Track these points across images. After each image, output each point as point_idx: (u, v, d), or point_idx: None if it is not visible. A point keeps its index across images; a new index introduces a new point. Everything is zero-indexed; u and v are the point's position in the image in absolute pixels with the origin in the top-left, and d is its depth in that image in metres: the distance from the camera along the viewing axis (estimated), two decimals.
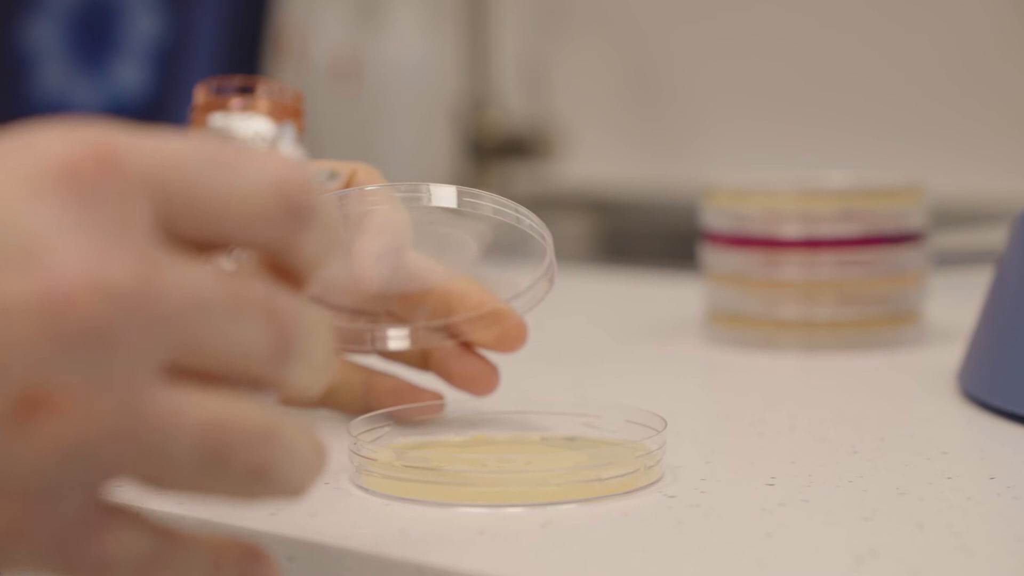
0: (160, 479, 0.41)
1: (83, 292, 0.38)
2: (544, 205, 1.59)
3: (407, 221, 0.64)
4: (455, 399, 0.68)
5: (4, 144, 0.41)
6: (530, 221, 0.63)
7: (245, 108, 0.53)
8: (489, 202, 0.62)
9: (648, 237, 1.66)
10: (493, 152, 1.82)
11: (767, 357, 0.86)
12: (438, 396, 0.68)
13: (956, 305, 0.89)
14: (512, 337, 0.68)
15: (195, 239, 0.42)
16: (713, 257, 0.90)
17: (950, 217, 1.25)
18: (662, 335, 0.94)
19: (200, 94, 0.58)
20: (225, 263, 0.43)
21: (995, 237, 0.90)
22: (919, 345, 0.87)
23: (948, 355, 0.79)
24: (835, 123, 1.63)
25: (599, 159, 1.79)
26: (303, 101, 0.57)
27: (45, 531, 0.40)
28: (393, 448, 0.59)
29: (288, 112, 0.55)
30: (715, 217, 0.90)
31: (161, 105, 1.62)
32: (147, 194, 0.40)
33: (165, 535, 0.43)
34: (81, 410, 0.38)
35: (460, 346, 0.68)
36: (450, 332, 0.68)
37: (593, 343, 0.94)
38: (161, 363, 0.40)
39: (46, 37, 1.68)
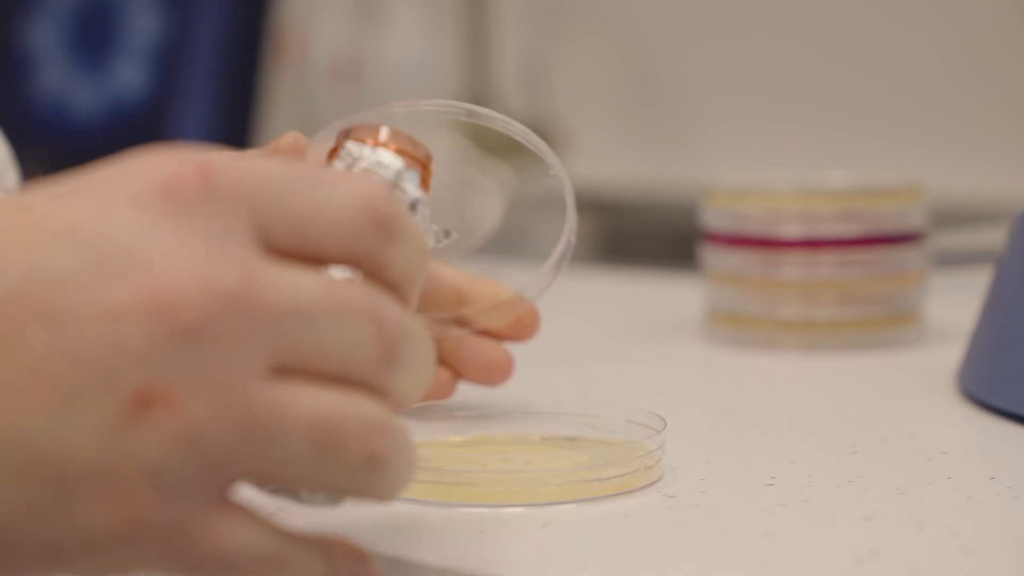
0: (277, 474, 0.42)
1: (189, 292, 0.40)
2: (543, 205, 1.59)
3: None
4: (454, 399, 0.68)
5: (108, 169, 0.42)
6: (557, 171, 0.63)
7: (377, 143, 0.54)
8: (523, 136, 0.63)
9: (648, 237, 1.66)
10: (494, 152, 1.81)
11: (767, 357, 0.86)
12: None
13: (956, 305, 0.89)
14: (526, 324, 0.68)
15: (293, 253, 0.43)
16: (713, 257, 0.90)
17: (950, 217, 1.25)
18: (662, 335, 0.94)
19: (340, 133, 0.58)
20: (336, 273, 0.44)
21: (995, 237, 0.90)
22: (919, 345, 0.87)
23: (948, 355, 0.79)
24: (835, 123, 1.63)
25: (599, 159, 1.79)
26: (431, 162, 0.57)
27: (164, 526, 0.41)
28: None
29: (417, 161, 0.56)
30: (715, 217, 0.90)
31: (161, 105, 1.62)
32: (244, 207, 0.42)
33: (283, 534, 0.43)
34: (191, 404, 0.40)
35: (473, 335, 0.68)
36: (461, 322, 0.68)
37: (593, 343, 0.94)
38: (268, 362, 0.41)
39: (46, 37, 1.68)
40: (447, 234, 0.56)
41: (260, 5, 1.62)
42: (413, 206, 0.53)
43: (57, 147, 1.65)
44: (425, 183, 0.56)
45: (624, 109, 1.78)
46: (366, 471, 0.43)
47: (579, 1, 1.80)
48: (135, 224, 0.41)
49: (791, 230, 0.87)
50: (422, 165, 0.56)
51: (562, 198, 0.62)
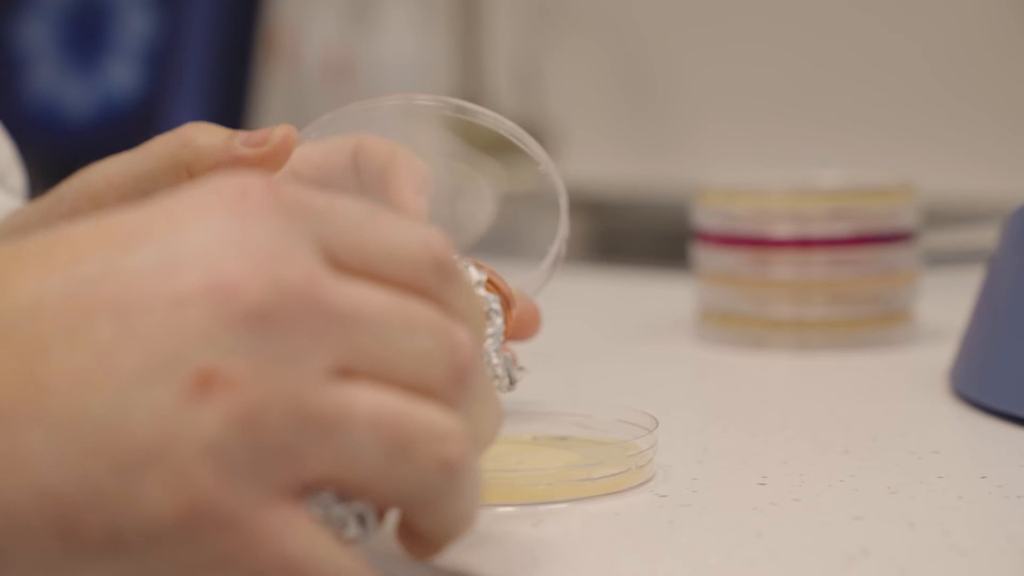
0: (348, 473, 0.42)
1: (252, 280, 0.41)
2: (535, 204, 1.59)
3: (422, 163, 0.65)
4: None
5: (180, 188, 0.44)
6: (548, 167, 0.63)
7: (478, 266, 0.56)
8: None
9: (640, 236, 1.66)
10: (485, 151, 1.81)
11: (759, 357, 0.86)
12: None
13: (947, 304, 0.89)
14: (528, 323, 0.68)
15: (357, 274, 0.44)
16: (705, 257, 0.90)
17: (941, 216, 1.25)
18: (654, 335, 0.94)
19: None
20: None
21: (986, 236, 0.90)
22: (910, 344, 0.87)
23: (939, 354, 0.79)
24: (826, 123, 1.63)
25: (591, 159, 1.79)
26: (514, 305, 0.58)
27: (226, 515, 0.40)
28: None
29: (501, 293, 0.57)
30: (706, 217, 0.90)
31: (153, 105, 1.62)
32: (309, 222, 0.43)
33: (359, 558, 0.43)
34: (251, 386, 0.40)
35: None
36: None
37: (585, 342, 0.94)
38: (332, 361, 0.42)
39: (38, 37, 1.68)
40: (511, 381, 0.56)
41: (252, 5, 1.62)
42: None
43: (49, 147, 1.64)
44: (508, 314, 0.57)
45: (616, 109, 1.78)
46: (439, 475, 0.43)
47: (571, 1, 1.80)
48: (203, 226, 0.42)
49: (783, 230, 0.87)
50: (506, 299, 0.57)
51: (552, 196, 0.62)
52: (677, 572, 0.49)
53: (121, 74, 1.64)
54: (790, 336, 0.87)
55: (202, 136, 0.59)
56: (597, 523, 0.54)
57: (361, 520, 0.44)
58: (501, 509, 0.55)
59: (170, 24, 1.62)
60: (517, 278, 0.63)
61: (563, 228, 0.62)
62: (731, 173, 1.07)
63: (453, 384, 0.44)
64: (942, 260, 1.07)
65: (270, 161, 0.59)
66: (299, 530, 0.41)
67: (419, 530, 0.46)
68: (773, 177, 0.93)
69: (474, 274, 0.55)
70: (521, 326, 0.67)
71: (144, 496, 0.40)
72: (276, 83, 1.84)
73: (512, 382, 0.56)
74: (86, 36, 1.66)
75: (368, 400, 0.42)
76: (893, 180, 0.90)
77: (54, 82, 1.66)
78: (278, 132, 0.58)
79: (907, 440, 0.67)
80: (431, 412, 0.43)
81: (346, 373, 0.42)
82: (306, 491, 0.42)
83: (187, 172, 0.59)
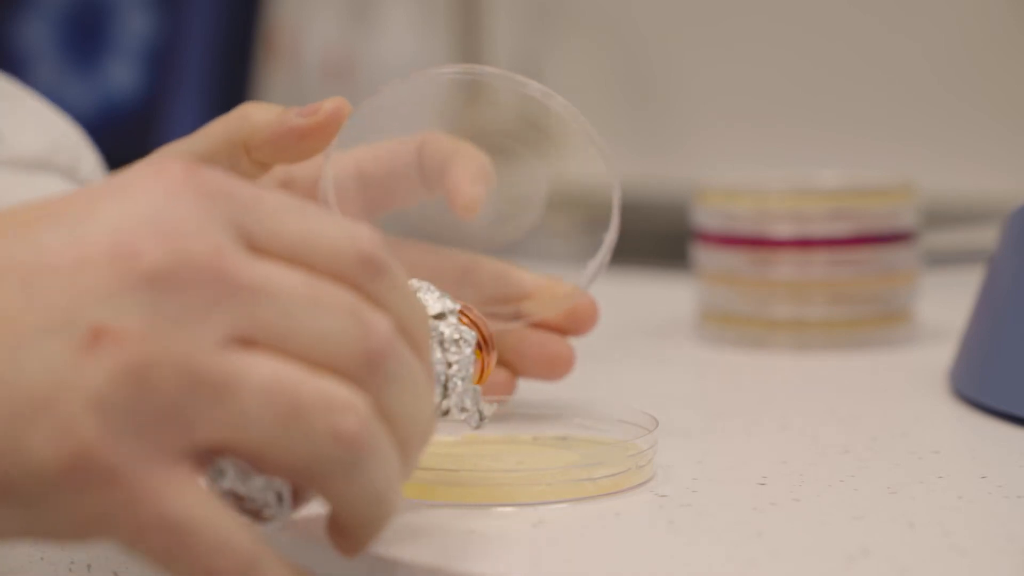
0: (241, 440, 0.42)
1: (156, 247, 0.42)
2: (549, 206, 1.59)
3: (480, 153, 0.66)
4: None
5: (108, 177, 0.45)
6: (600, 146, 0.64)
7: (463, 307, 0.56)
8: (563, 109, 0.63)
9: (640, 236, 1.65)
10: (485, 151, 1.81)
11: (759, 356, 0.86)
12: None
13: (948, 304, 0.89)
14: (584, 317, 0.68)
15: (274, 258, 0.44)
16: (705, 257, 0.90)
17: (942, 216, 1.25)
18: (654, 334, 0.94)
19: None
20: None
21: (986, 236, 0.90)
22: (911, 344, 0.87)
23: (939, 354, 0.79)
24: (826, 123, 1.63)
25: (591, 158, 1.79)
26: (491, 349, 0.59)
27: (110, 469, 0.41)
28: None
29: (480, 332, 0.57)
30: (707, 217, 0.90)
31: (153, 105, 1.62)
32: (227, 205, 0.43)
33: (251, 528, 0.43)
34: (142, 343, 0.41)
35: (534, 328, 0.68)
36: (517, 316, 0.67)
37: (585, 342, 0.94)
38: (231, 329, 0.42)
39: (38, 37, 1.68)
40: (480, 416, 0.56)
41: (252, 4, 1.62)
42: (446, 343, 0.54)
43: None
44: (482, 356, 0.57)
45: (616, 109, 1.78)
46: (334, 447, 0.43)
47: (571, 1, 1.80)
48: (117, 203, 0.43)
49: (783, 230, 0.87)
50: (484, 337, 0.57)
51: (558, 197, 0.63)
52: (677, 572, 0.49)
53: (121, 74, 1.64)
54: (790, 336, 0.87)
55: (258, 113, 0.61)
56: (597, 523, 0.54)
57: (271, 497, 0.44)
58: (501, 509, 0.55)
59: (170, 24, 1.62)
60: (570, 273, 0.63)
61: (615, 222, 0.63)
62: (731, 173, 1.07)
63: (363, 367, 0.44)
64: (942, 260, 1.07)
65: (322, 130, 0.60)
66: (184, 492, 0.42)
67: (337, 519, 0.46)
68: (773, 177, 0.93)
69: (437, 304, 0.54)
70: (577, 320, 0.67)
71: (31, 446, 0.41)
72: (276, 83, 1.84)
73: (482, 417, 0.55)
74: (86, 36, 1.66)
75: (263, 367, 0.42)
76: (893, 180, 0.90)
77: (54, 82, 1.66)
78: (329, 103, 0.60)
79: (907, 440, 0.67)
80: (330, 384, 0.43)
81: (245, 343, 0.42)
82: (202, 458, 0.42)
83: (244, 149, 0.61)
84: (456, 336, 0.53)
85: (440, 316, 0.54)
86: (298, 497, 0.46)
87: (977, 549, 0.51)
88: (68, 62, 1.67)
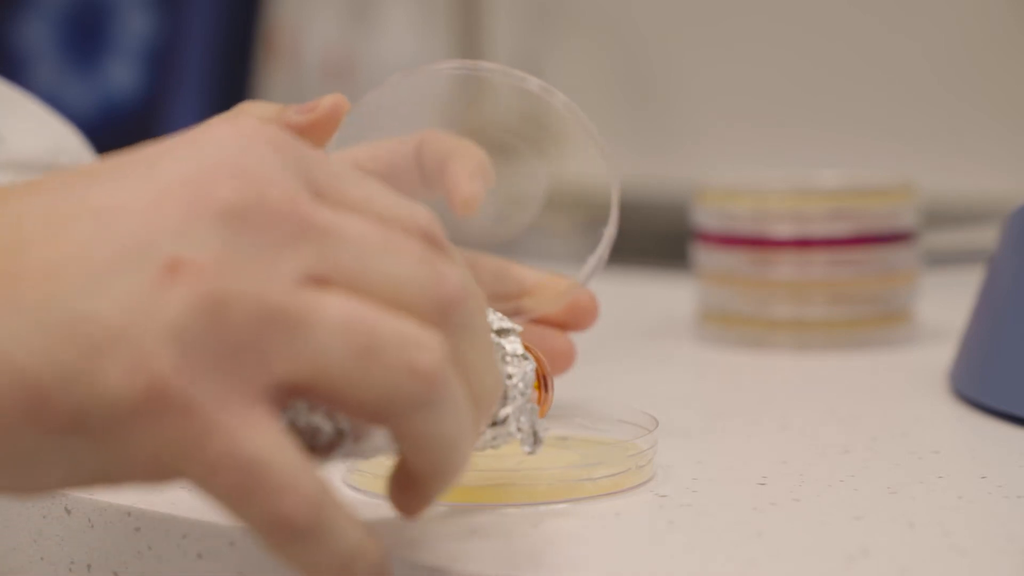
0: (316, 374, 0.42)
1: (230, 183, 0.42)
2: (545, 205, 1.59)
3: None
4: None
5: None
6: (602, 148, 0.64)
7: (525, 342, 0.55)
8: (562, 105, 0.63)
9: (640, 236, 1.66)
10: (485, 148, 1.81)
11: (759, 356, 0.86)
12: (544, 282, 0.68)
13: (948, 304, 0.89)
14: (586, 312, 0.68)
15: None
16: (705, 257, 0.90)
17: (941, 216, 1.25)
18: (654, 334, 0.94)
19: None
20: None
21: (986, 236, 0.90)
22: (911, 345, 0.87)
23: (939, 354, 0.79)
24: (826, 122, 1.63)
25: (591, 158, 1.79)
26: (550, 384, 0.58)
27: (184, 403, 0.40)
28: None
29: (540, 364, 0.57)
30: (706, 217, 0.90)
31: (154, 105, 1.62)
32: (302, 160, 0.44)
33: (322, 479, 0.42)
34: (219, 276, 0.41)
35: (535, 324, 0.68)
36: (517, 312, 0.67)
37: (584, 342, 0.94)
38: (306, 268, 0.42)
39: (38, 37, 1.68)
40: (535, 439, 0.55)
41: (252, 5, 1.62)
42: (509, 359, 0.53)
43: None
44: (540, 391, 0.57)
45: (616, 109, 1.78)
46: (412, 382, 0.42)
47: (571, 1, 1.80)
48: (190, 149, 0.43)
49: (782, 230, 0.87)
50: (542, 374, 0.57)
51: (555, 196, 0.63)
52: (677, 572, 0.49)
53: (121, 74, 1.64)
54: (790, 336, 0.87)
55: (256, 111, 0.61)
56: (597, 523, 0.54)
57: (339, 433, 0.44)
58: (501, 509, 0.55)
59: (170, 24, 1.62)
60: (570, 271, 0.63)
61: (614, 212, 0.63)
62: (731, 173, 1.07)
63: (436, 311, 0.44)
64: (942, 260, 1.07)
65: (320, 126, 0.60)
66: (258, 430, 0.41)
67: (405, 470, 0.46)
68: (773, 177, 0.93)
69: (500, 322, 0.54)
70: (579, 315, 0.67)
71: (107, 377, 0.40)
72: (276, 83, 1.84)
73: (537, 440, 0.53)
74: (86, 36, 1.66)
75: (339, 304, 0.42)
76: (893, 180, 0.90)
77: (54, 82, 1.66)
78: (327, 100, 0.60)
79: (907, 440, 0.67)
80: (406, 323, 0.43)
81: (320, 282, 0.42)
82: (276, 397, 0.42)
83: None
84: (519, 352, 0.53)
85: (502, 332, 0.53)
86: (357, 438, 0.45)
87: (977, 549, 0.51)
88: (68, 62, 1.67)
